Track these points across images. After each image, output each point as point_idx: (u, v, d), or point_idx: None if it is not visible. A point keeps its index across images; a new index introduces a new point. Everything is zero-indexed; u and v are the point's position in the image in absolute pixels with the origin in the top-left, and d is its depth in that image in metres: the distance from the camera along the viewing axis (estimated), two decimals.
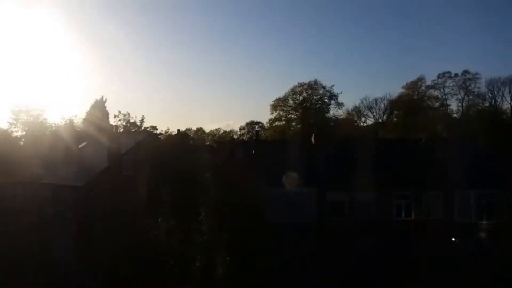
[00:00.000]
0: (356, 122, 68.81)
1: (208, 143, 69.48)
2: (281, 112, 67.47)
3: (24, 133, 52.02)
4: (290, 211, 26.44)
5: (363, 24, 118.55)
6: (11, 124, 53.24)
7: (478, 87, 61.72)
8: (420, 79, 64.77)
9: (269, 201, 26.28)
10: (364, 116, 68.31)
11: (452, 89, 63.30)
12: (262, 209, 25.28)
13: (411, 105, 61.44)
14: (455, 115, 63.43)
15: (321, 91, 65.84)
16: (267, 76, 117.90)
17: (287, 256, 21.83)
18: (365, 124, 67.53)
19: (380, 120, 65.74)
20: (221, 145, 55.31)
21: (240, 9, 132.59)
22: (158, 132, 57.82)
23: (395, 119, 65.16)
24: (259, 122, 77.44)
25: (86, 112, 47.22)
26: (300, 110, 65.97)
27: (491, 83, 60.41)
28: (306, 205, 27.00)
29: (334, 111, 66.71)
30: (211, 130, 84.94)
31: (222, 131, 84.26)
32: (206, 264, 19.99)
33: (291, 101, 67.02)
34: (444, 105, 64.45)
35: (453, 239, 24.43)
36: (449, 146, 29.95)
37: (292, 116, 67.74)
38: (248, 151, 34.19)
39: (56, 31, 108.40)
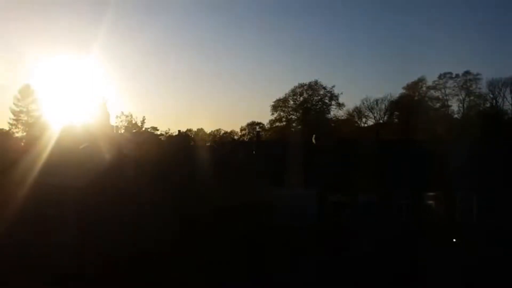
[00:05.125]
0: (357, 123, 68.81)
1: (209, 144, 69.48)
2: (282, 113, 67.53)
3: (25, 134, 52.12)
4: (291, 212, 26.43)
5: (363, 25, 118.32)
6: (11, 125, 53.40)
7: (479, 88, 61.80)
8: (421, 80, 64.82)
9: (269, 201, 26.28)
10: (364, 116, 68.34)
11: (453, 90, 63.34)
12: (263, 209, 25.28)
13: (412, 106, 61.44)
14: (456, 115, 63.51)
15: (321, 92, 65.91)
16: (267, 77, 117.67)
17: (287, 256, 21.82)
18: (365, 125, 67.56)
19: (381, 121, 65.75)
20: (222, 145, 55.28)
21: (241, 10, 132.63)
22: (159, 133, 57.77)
23: (396, 120, 65.16)
24: (260, 123, 77.47)
25: (87, 113, 47.21)
26: (301, 111, 66.00)
27: (492, 84, 60.49)
28: (306, 206, 26.98)
29: (334, 112, 66.79)
30: (212, 131, 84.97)
31: (222, 131, 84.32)
32: (208, 264, 19.99)
33: (291, 102, 67.10)
34: (445, 105, 64.46)
35: (454, 240, 24.42)
36: (450, 147, 29.94)
37: (293, 117, 67.78)
38: (249, 152, 34.22)
39: (56, 31, 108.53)
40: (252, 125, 78.45)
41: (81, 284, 18.48)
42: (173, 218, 23.26)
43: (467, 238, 24.03)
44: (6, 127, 53.08)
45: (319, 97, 66.25)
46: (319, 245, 23.62)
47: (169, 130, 60.47)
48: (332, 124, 64.76)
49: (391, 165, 28.21)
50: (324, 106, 66.19)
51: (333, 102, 65.75)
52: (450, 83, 63.26)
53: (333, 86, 65.30)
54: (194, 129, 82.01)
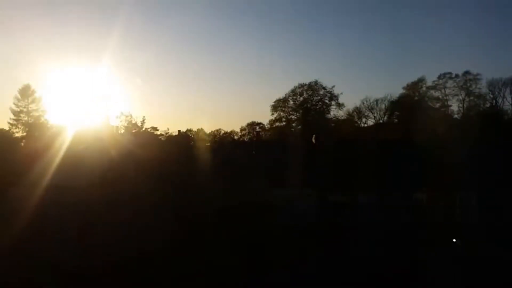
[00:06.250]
0: (357, 123, 68.78)
1: (209, 144, 69.44)
2: (282, 113, 67.42)
3: (25, 134, 52.18)
4: (291, 212, 26.44)
5: (363, 25, 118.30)
6: (11, 125, 53.47)
7: (479, 88, 61.75)
8: (421, 80, 64.79)
9: (269, 201, 26.28)
10: (364, 117, 68.34)
11: (453, 90, 63.30)
12: (263, 209, 25.28)
13: (412, 106, 61.42)
14: (456, 116, 63.47)
15: (321, 92, 65.77)
16: (267, 77, 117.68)
17: (287, 256, 21.82)
18: (365, 125, 67.56)
19: (381, 121, 65.74)
20: (222, 145, 55.30)
21: (241, 10, 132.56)
22: (159, 133, 57.78)
23: (396, 120, 65.15)
24: (260, 123, 77.43)
25: (87, 113, 47.27)
26: (301, 111, 65.94)
27: (492, 84, 60.49)
28: (306, 206, 27.00)
29: (334, 112, 66.64)
30: (212, 131, 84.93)
31: (222, 131, 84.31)
32: (208, 263, 20.00)
33: (291, 102, 66.96)
34: (445, 106, 64.43)
35: (454, 240, 24.41)
36: (450, 147, 29.93)
37: (293, 117, 67.71)
38: (249, 152, 34.24)
39: (56, 31, 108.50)
40: (252, 125, 78.42)
41: (83, 284, 18.47)
42: (173, 218, 23.27)
43: (467, 238, 24.03)
44: (6, 127, 53.21)
45: (319, 97, 66.14)
46: (319, 245, 23.61)
47: (168, 130, 60.53)
48: (332, 124, 64.67)
49: (391, 165, 28.21)
50: (324, 106, 66.09)
51: (333, 102, 65.61)
52: (450, 83, 63.28)
53: (333, 86, 65.20)
54: (194, 129, 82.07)
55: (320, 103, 66.18)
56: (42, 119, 54.33)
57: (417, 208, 26.77)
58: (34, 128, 51.53)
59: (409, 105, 61.70)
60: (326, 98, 65.71)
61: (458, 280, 18.91)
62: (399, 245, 22.95)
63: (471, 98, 62.46)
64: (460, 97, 63.20)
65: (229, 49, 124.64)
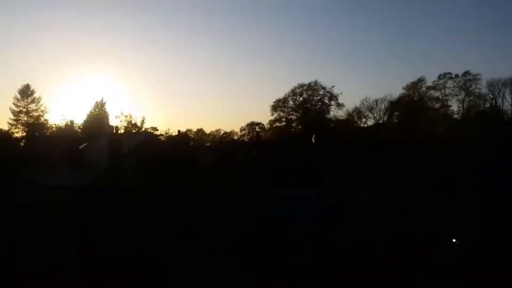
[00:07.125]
0: (357, 123, 68.63)
1: (208, 144, 69.44)
2: (282, 113, 67.37)
3: (24, 134, 52.17)
4: (290, 212, 26.41)
5: (363, 25, 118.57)
6: (11, 125, 53.45)
7: (479, 88, 61.64)
8: (421, 80, 64.71)
9: (269, 202, 26.26)
10: (364, 117, 68.16)
11: (453, 90, 63.21)
12: (262, 209, 25.28)
13: (412, 106, 61.37)
14: (455, 116, 63.40)
15: (321, 92, 65.74)
16: (267, 77, 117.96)
17: (287, 256, 21.83)
18: (365, 125, 67.41)
19: (381, 121, 65.62)
20: (221, 146, 55.29)
21: (241, 10, 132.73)
22: (158, 133, 57.75)
23: (396, 120, 65.07)
24: (260, 123, 77.48)
25: (87, 113, 47.21)
26: (301, 111, 65.89)
27: (492, 84, 60.38)
28: (306, 206, 26.96)
29: (334, 112, 66.58)
30: (211, 131, 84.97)
31: (222, 131, 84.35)
32: (207, 263, 20.00)
33: (291, 102, 66.92)
34: (445, 106, 64.36)
35: (454, 240, 24.42)
36: (450, 147, 29.91)
37: (293, 117, 67.67)
38: (249, 152, 34.22)
39: (56, 31, 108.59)
40: (251, 125, 78.48)
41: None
42: (173, 218, 23.27)
43: (467, 238, 24.04)
44: (6, 127, 53.22)
45: (319, 97, 66.10)
46: (319, 244, 23.63)
47: (169, 130, 60.50)
48: (332, 124, 64.60)
49: (390, 165, 28.20)
50: (324, 106, 66.05)
51: (332, 102, 65.58)
52: (450, 83, 63.18)
53: (333, 86, 65.20)
54: (194, 129, 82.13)
55: (320, 103, 66.11)
56: (42, 119, 54.30)
57: (417, 208, 26.75)
58: (34, 128, 51.51)
59: (409, 105, 61.65)
60: (326, 98, 65.66)
61: (458, 279, 18.92)
62: (399, 245, 22.97)
63: (471, 98, 62.39)
64: (460, 97, 63.14)
65: (229, 49, 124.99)
